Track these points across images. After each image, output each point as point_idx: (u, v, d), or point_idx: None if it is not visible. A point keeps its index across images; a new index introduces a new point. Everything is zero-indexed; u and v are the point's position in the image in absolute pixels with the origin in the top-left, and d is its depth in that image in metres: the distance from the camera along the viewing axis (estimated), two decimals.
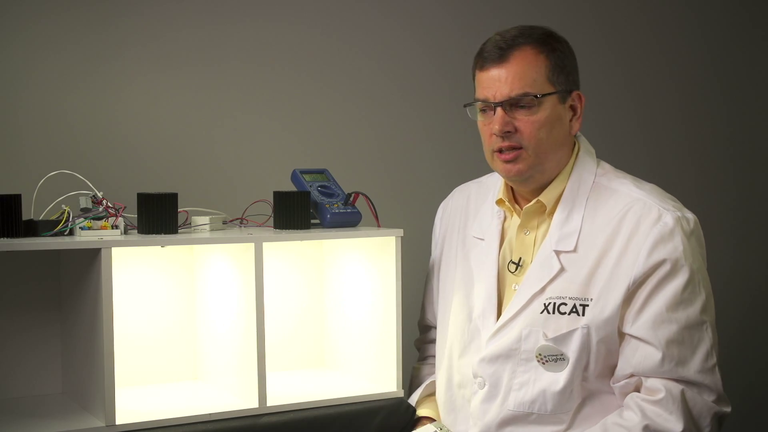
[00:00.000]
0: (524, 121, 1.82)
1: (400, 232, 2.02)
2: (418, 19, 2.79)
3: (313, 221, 2.05)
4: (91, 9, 2.34)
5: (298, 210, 2.00)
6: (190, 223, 2.02)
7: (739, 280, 3.34)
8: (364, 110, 2.72)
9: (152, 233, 1.86)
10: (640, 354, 1.76)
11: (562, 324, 1.80)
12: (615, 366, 1.80)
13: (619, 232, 1.80)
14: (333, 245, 2.22)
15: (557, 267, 1.82)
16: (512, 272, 1.89)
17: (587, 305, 1.79)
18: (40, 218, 1.88)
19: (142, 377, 2.09)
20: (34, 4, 2.28)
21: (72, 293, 1.91)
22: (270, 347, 1.95)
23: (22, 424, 1.78)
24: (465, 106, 1.90)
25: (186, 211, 2.01)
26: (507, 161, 1.85)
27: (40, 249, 1.76)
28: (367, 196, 2.08)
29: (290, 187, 2.10)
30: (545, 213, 1.89)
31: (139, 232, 1.88)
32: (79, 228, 1.84)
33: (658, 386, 1.75)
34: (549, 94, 1.82)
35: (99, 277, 1.73)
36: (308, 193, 2.04)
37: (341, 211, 2.05)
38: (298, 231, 1.99)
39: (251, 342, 1.88)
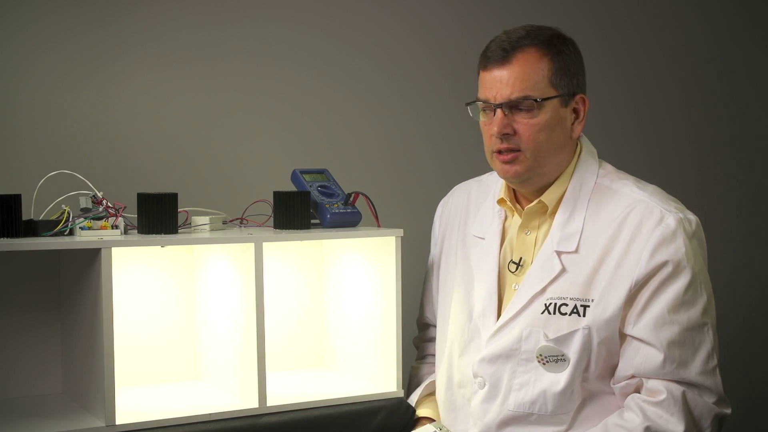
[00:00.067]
0: (524, 124, 1.82)
1: (400, 232, 2.02)
2: (418, 19, 2.79)
3: (313, 221, 2.05)
4: (91, 9, 2.34)
5: (298, 210, 2.00)
6: (190, 223, 2.02)
7: (739, 282, 3.34)
8: (364, 110, 2.72)
9: (152, 233, 1.86)
10: (641, 355, 1.76)
11: (563, 325, 1.79)
12: (615, 367, 1.80)
13: (621, 233, 1.80)
14: (333, 245, 2.21)
15: (558, 267, 1.82)
16: (512, 272, 1.89)
17: (588, 306, 1.78)
18: (40, 218, 1.88)
19: (142, 377, 2.09)
20: (34, 4, 2.28)
21: (72, 293, 1.91)
22: (270, 347, 1.95)
23: (22, 424, 1.78)
24: (467, 104, 1.90)
25: (186, 211, 2.01)
26: (505, 162, 1.85)
27: (40, 249, 1.76)
28: (367, 196, 2.08)
29: (290, 187, 2.10)
30: (547, 213, 1.89)
31: (139, 232, 1.88)
32: (79, 228, 1.84)
33: (659, 388, 1.75)
34: (550, 98, 1.81)
35: (99, 277, 1.73)
36: (308, 193, 2.04)
37: (341, 211, 2.05)
38: (298, 231, 1.98)
39: (251, 342, 1.88)
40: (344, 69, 2.68)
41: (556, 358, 1.79)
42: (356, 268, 2.15)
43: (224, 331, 2.01)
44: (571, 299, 1.80)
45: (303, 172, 2.13)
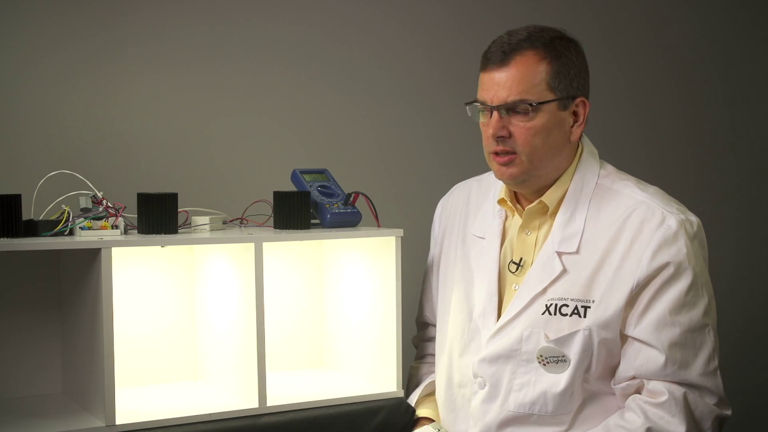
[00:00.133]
0: (519, 127, 1.81)
1: (400, 232, 2.02)
2: (418, 19, 2.79)
3: (313, 221, 2.05)
4: (91, 9, 2.34)
5: (298, 210, 1.99)
6: (190, 223, 2.02)
7: (740, 283, 3.34)
8: (364, 110, 2.72)
9: (152, 233, 1.86)
10: (642, 357, 1.76)
11: (563, 325, 1.79)
12: (616, 367, 1.80)
13: (622, 234, 1.79)
14: (333, 245, 2.21)
15: (559, 268, 1.82)
16: (513, 272, 1.89)
17: (589, 307, 1.78)
18: (40, 218, 1.87)
19: (142, 377, 2.09)
20: (34, 4, 2.28)
21: (72, 293, 1.91)
22: (270, 347, 1.95)
23: (22, 424, 1.78)
24: (466, 104, 1.90)
25: (186, 211, 2.01)
26: (501, 164, 1.84)
27: (40, 249, 1.76)
28: (367, 196, 2.08)
29: (290, 187, 2.10)
30: (547, 214, 1.88)
31: (139, 232, 1.88)
32: (79, 228, 1.84)
33: (660, 389, 1.75)
34: (547, 101, 1.81)
35: (99, 277, 1.73)
36: (308, 193, 2.04)
37: (341, 211, 2.05)
38: (298, 231, 1.98)
39: (251, 342, 1.88)
40: (344, 69, 2.68)
41: (556, 358, 1.79)
42: (356, 268, 2.15)
43: (224, 331, 2.01)
44: (571, 300, 1.80)
45: (303, 172, 2.13)
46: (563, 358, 1.79)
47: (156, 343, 2.12)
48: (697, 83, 3.30)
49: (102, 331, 1.74)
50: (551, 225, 1.87)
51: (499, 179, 1.89)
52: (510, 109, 1.81)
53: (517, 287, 1.87)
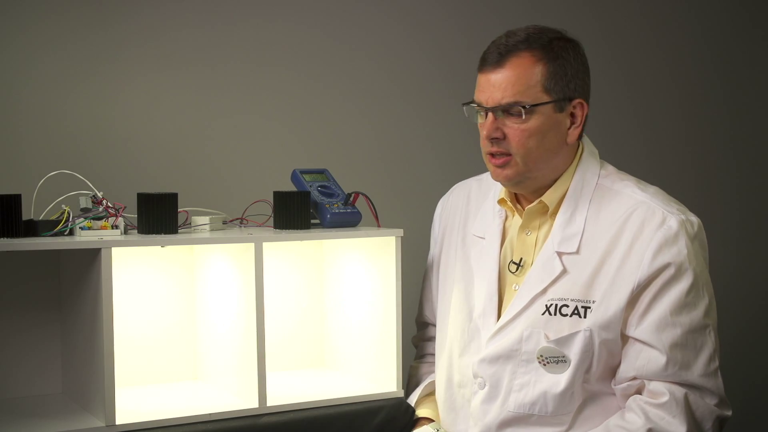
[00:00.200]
0: (513, 129, 1.81)
1: (400, 232, 2.02)
2: (418, 19, 2.79)
3: (313, 221, 2.05)
4: (91, 9, 2.34)
5: (298, 210, 1.99)
6: (190, 223, 2.02)
7: (740, 284, 3.34)
8: (364, 110, 2.72)
9: (152, 233, 1.86)
10: (643, 357, 1.76)
11: (563, 326, 1.79)
12: (616, 368, 1.80)
13: (623, 234, 1.79)
14: (333, 245, 2.21)
15: (559, 268, 1.81)
16: (513, 272, 1.89)
17: (589, 308, 1.78)
18: (40, 218, 1.87)
19: (142, 377, 2.09)
20: (34, 4, 2.28)
21: (72, 293, 1.91)
22: (270, 347, 1.95)
23: (22, 424, 1.78)
24: (463, 105, 1.90)
25: (186, 211, 2.01)
26: (497, 166, 1.85)
27: (40, 249, 1.76)
28: (367, 196, 2.08)
29: (290, 187, 2.10)
30: (547, 214, 1.88)
31: (139, 232, 1.88)
32: (79, 228, 1.84)
33: (661, 390, 1.75)
34: (542, 104, 1.80)
35: (99, 277, 1.73)
36: (308, 193, 2.04)
37: (341, 211, 2.05)
38: (298, 231, 1.98)
39: (251, 342, 1.88)
40: (344, 69, 2.68)
41: (556, 359, 1.79)
42: (356, 268, 2.15)
43: (224, 331, 2.01)
44: (572, 300, 1.80)
45: (303, 172, 2.13)
46: (563, 359, 1.79)
47: (156, 343, 2.12)
48: (697, 83, 3.30)
49: (102, 331, 1.74)
50: (551, 225, 1.87)
51: (496, 180, 1.89)
52: (504, 110, 1.81)
53: (517, 287, 1.87)
